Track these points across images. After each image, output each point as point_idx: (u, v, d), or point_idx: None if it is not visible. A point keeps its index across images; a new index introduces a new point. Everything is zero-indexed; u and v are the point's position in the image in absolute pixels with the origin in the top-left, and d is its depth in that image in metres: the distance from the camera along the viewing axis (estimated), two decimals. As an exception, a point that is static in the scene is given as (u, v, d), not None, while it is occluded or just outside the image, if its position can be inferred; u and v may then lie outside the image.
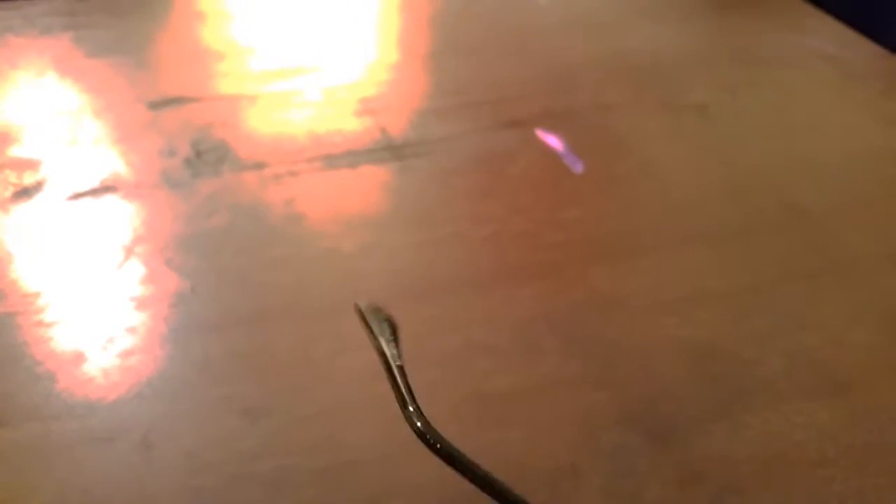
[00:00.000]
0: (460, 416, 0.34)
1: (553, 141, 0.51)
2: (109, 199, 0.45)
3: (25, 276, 0.40)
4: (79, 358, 0.35)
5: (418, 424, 0.22)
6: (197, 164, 0.47)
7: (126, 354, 0.36)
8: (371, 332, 0.25)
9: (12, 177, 0.46)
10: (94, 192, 0.45)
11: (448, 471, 0.31)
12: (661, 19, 0.65)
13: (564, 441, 0.33)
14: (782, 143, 0.52)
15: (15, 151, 0.48)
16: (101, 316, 0.38)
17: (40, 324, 0.37)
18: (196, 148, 0.49)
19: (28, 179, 0.46)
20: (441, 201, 0.46)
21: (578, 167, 0.49)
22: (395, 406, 0.34)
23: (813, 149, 0.51)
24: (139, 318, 0.37)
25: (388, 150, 0.49)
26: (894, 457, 0.33)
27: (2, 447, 0.32)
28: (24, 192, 0.45)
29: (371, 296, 0.39)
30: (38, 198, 0.45)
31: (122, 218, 0.43)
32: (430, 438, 0.22)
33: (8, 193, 0.45)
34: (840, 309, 0.39)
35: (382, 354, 0.24)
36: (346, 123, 0.52)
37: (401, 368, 0.23)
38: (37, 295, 0.38)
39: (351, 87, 0.55)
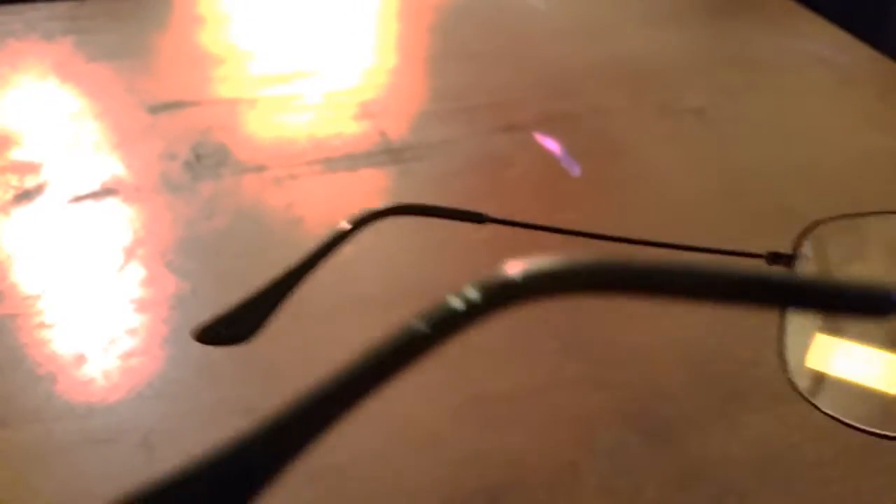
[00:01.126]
0: (460, 418, 0.34)
1: (551, 145, 0.51)
2: (110, 202, 0.45)
3: (26, 278, 0.40)
4: (79, 360, 0.36)
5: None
6: (197, 168, 0.47)
7: (127, 356, 0.36)
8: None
9: (13, 180, 0.46)
10: (94, 195, 0.45)
11: (446, 472, 0.32)
12: (658, 24, 0.66)
13: (563, 441, 0.33)
14: (779, 147, 0.52)
15: (16, 154, 0.48)
16: (102, 318, 0.38)
17: (41, 325, 0.37)
18: (196, 151, 0.49)
19: (29, 182, 0.46)
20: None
21: (576, 171, 0.49)
22: (394, 408, 0.34)
23: (809, 152, 0.52)
24: (140, 320, 0.38)
25: (387, 154, 0.49)
26: (891, 457, 0.33)
27: (2, 448, 0.32)
28: (26, 195, 0.45)
29: (370, 298, 0.39)
30: (39, 200, 0.45)
31: (123, 221, 0.44)
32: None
33: (9, 196, 0.45)
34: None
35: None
36: (346, 127, 0.52)
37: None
38: (37, 297, 0.39)
39: (350, 91, 0.56)
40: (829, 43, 0.63)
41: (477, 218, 0.20)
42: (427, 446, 0.32)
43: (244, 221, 0.44)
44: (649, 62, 0.60)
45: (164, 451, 0.32)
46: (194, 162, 0.48)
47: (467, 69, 0.58)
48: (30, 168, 0.47)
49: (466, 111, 0.54)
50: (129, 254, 0.41)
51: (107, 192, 0.46)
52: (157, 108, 0.52)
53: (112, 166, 0.48)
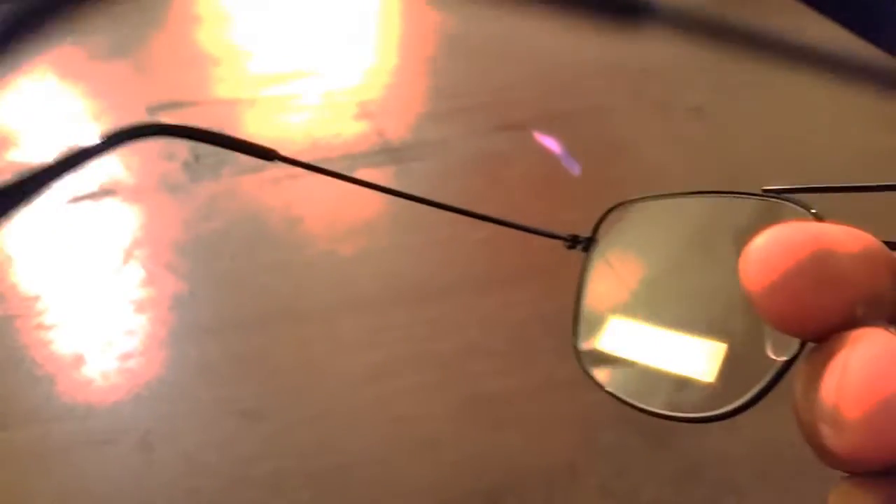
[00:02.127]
0: (459, 418, 0.34)
1: (550, 143, 0.51)
2: (109, 203, 0.45)
3: (25, 279, 0.40)
4: (78, 361, 0.36)
5: None
6: (196, 169, 0.47)
7: (125, 357, 0.36)
8: None
9: (12, 181, 0.46)
10: (93, 196, 0.45)
11: (445, 473, 0.32)
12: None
13: (562, 441, 0.33)
14: (779, 145, 0.52)
15: (14, 155, 0.48)
16: (101, 319, 0.38)
17: (40, 326, 0.37)
18: (195, 152, 0.49)
19: (27, 184, 0.46)
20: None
21: (576, 170, 0.49)
22: (394, 409, 0.34)
23: (809, 150, 0.51)
24: (138, 322, 0.38)
25: (385, 154, 0.49)
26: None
27: (2, 449, 0.32)
28: (24, 197, 0.45)
29: (368, 298, 0.39)
30: (37, 201, 0.45)
31: (122, 222, 0.44)
32: None
33: (7, 198, 0.45)
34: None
35: None
36: (344, 127, 0.52)
37: None
38: (36, 298, 0.39)
39: (349, 91, 0.55)
40: (828, 41, 0.63)
41: (266, 154, 0.18)
42: (426, 447, 0.32)
43: (243, 222, 0.44)
44: (648, 61, 0.60)
45: (163, 452, 0.32)
46: (193, 162, 0.48)
47: (466, 69, 0.58)
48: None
49: (465, 111, 0.54)
50: (128, 255, 0.41)
51: (105, 192, 0.45)
52: (155, 109, 0.52)
53: (110, 167, 0.48)
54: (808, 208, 0.17)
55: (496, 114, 0.53)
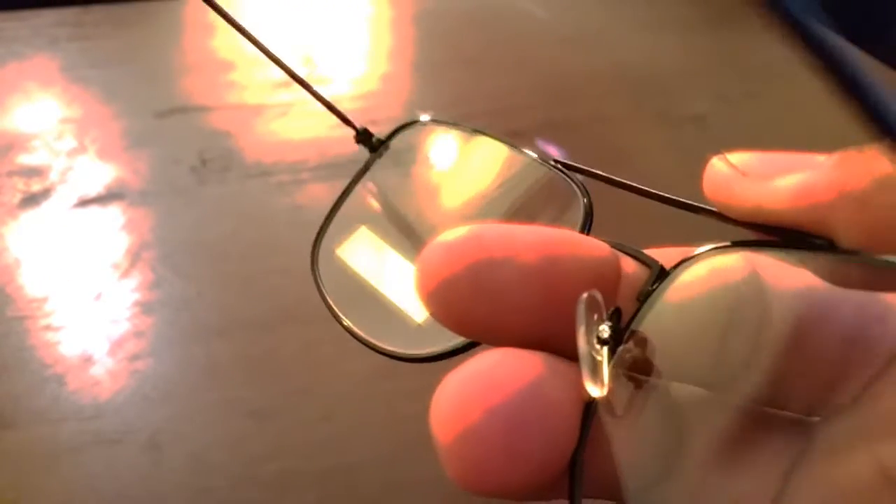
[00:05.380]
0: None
1: (552, 151, 0.51)
2: (116, 206, 0.45)
3: (34, 281, 0.40)
4: (87, 361, 0.36)
5: None
6: (203, 172, 0.48)
7: (133, 358, 0.36)
8: None
9: (20, 184, 0.47)
10: (100, 200, 0.46)
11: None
12: (659, 32, 0.66)
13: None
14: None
15: (23, 159, 0.49)
16: (108, 320, 0.38)
17: (48, 328, 0.38)
18: (202, 156, 0.49)
19: (35, 186, 0.46)
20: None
21: (576, 178, 0.49)
22: (401, 409, 0.35)
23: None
24: (145, 323, 0.38)
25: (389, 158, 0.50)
26: None
27: (10, 449, 0.32)
28: (32, 199, 0.45)
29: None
30: (45, 205, 0.45)
31: (129, 225, 0.44)
32: None
33: (16, 200, 0.45)
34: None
35: None
36: (350, 132, 0.52)
37: None
38: (45, 300, 0.39)
39: (354, 97, 0.56)
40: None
41: None
42: (432, 447, 0.33)
43: (249, 226, 0.44)
44: (650, 70, 0.61)
45: (171, 452, 0.32)
46: (200, 167, 0.48)
47: (468, 76, 0.59)
48: (36, 172, 0.48)
49: (467, 118, 0.54)
50: (135, 257, 0.42)
51: (113, 196, 0.46)
52: (162, 114, 0.53)
53: (118, 171, 0.48)
54: (583, 190, 0.17)
55: (498, 121, 0.54)
